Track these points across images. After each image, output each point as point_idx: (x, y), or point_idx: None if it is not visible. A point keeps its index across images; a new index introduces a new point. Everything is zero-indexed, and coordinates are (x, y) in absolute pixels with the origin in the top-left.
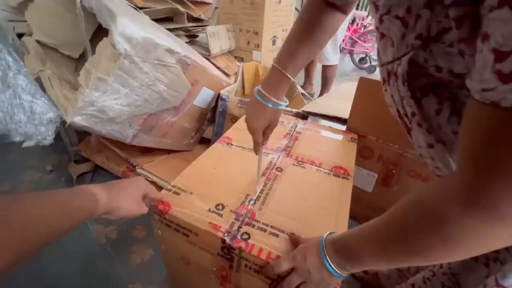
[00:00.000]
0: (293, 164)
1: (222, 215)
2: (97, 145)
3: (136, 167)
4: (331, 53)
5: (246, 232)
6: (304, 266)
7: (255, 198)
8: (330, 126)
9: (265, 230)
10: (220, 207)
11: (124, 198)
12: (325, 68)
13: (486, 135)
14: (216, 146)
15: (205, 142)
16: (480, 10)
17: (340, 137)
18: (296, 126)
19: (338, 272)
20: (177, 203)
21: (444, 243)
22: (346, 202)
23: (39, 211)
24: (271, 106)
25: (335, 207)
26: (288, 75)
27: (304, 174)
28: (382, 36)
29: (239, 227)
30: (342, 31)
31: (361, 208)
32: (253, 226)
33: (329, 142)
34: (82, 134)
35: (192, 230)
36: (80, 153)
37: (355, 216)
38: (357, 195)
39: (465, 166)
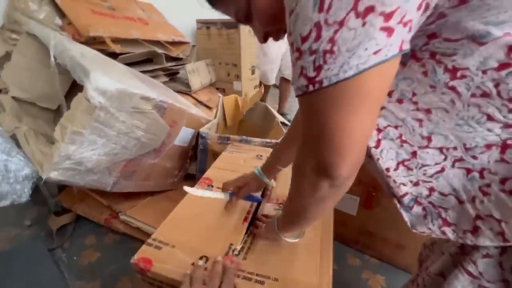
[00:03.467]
0: (274, 209)
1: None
2: (78, 194)
3: (119, 213)
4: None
5: None
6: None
7: (239, 248)
8: None
9: (250, 279)
10: (204, 259)
11: None
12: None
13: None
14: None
15: (191, 178)
16: None
17: None
18: None
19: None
20: (159, 259)
21: (308, 203)
22: (329, 234)
23: None
24: (256, 172)
25: (318, 242)
26: (267, 181)
27: None
28: None
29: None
30: None
31: (348, 232)
32: (238, 276)
33: None
34: (63, 184)
35: (176, 286)
36: (61, 204)
37: (345, 241)
38: (343, 220)
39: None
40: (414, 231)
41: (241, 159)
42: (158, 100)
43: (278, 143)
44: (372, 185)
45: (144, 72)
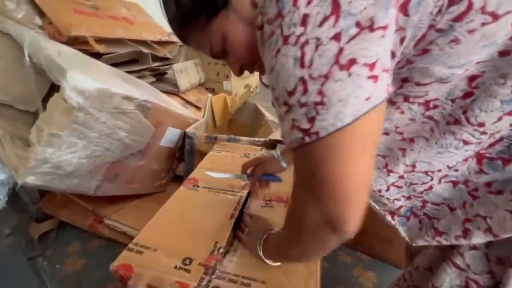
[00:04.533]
0: (262, 206)
1: (190, 270)
2: (61, 199)
3: (104, 218)
4: None
5: (216, 287)
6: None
7: (224, 245)
8: None
9: (235, 282)
10: (187, 261)
11: None
12: None
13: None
14: (181, 190)
15: (179, 179)
16: None
17: None
18: None
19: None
20: (140, 264)
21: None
22: None
23: None
24: (275, 156)
25: None
26: (285, 165)
27: (273, 214)
28: None
29: (209, 281)
30: None
31: None
32: (223, 278)
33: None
34: (44, 189)
35: None
36: (42, 210)
37: None
38: None
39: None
40: (414, 245)
41: (229, 158)
42: (141, 100)
43: None
44: None
45: (130, 72)
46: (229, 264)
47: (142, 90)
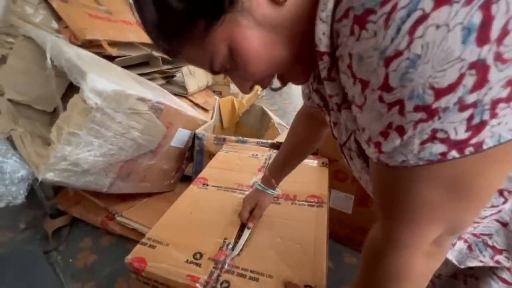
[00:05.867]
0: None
1: (200, 264)
2: (74, 196)
3: (116, 215)
4: None
5: (225, 281)
6: None
7: (233, 242)
8: None
9: (244, 276)
10: (198, 256)
11: None
12: None
13: (385, 189)
14: (191, 189)
15: (187, 179)
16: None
17: (311, 162)
18: (270, 158)
19: None
20: (153, 258)
21: (390, 277)
22: (323, 232)
23: None
24: (260, 188)
25: (312, 241)
26: (275, 183)
27: (280, 210)
28: (334, 124)
29: (218, 275)
30: None
31: (343, 230)
32: (233, 273)
33: (302, 170)
34: (59, 187)
35: (170, 285)
36: (56, 207)
37: (340, 239)
38: (338, 218)
39: (379, 215)
40: (462, 267)
41: (237, 158)
42: (154, 101)
43: (280, 155)
44: None
45: (141, 75)
46: (238, 259)
47: (154, 92)
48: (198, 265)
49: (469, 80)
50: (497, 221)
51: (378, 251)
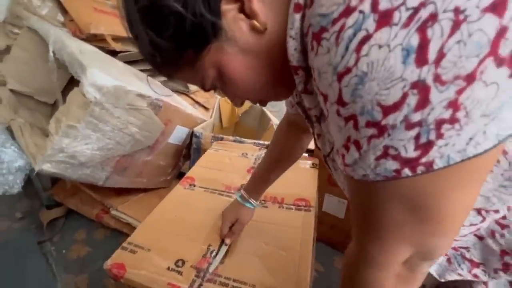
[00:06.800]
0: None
1: (182, 272)
2: (70, 188)
3: (110, 208)
4: None
5: None
6: None
7: (217, 249)
8: None
9: (227, 285)
10: (180, 263)
11: None
12: None
13: (355, 201)
14: (178, 189)
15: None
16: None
17: (303, 163)
18: (260, 158)
19: None
20: (133, 264)
21: None
22: (309, 238)
23: None
24: (240, 201)
25: (298, 247)
26: (253, 201)
27: (267, 215)
28: (318, 136)
29: (200, 284)
30: None
31: (335, 234)
32: (215, 282)
33: (292, 171)
34: (56, 178)
35: None
36: (53, 198)
37: (332, 243)
38: (331, 222)
39: (353, 231)
40: (442, 280)
41: (226, 157)
42: (153, 98)
43: (262, 165)
44: None
45: (143, 70)
46: (221, 267)
47: (155, 89)
48: (179, 273)
49: (412, 99)
50: (474, 235)
51: (352, 266)
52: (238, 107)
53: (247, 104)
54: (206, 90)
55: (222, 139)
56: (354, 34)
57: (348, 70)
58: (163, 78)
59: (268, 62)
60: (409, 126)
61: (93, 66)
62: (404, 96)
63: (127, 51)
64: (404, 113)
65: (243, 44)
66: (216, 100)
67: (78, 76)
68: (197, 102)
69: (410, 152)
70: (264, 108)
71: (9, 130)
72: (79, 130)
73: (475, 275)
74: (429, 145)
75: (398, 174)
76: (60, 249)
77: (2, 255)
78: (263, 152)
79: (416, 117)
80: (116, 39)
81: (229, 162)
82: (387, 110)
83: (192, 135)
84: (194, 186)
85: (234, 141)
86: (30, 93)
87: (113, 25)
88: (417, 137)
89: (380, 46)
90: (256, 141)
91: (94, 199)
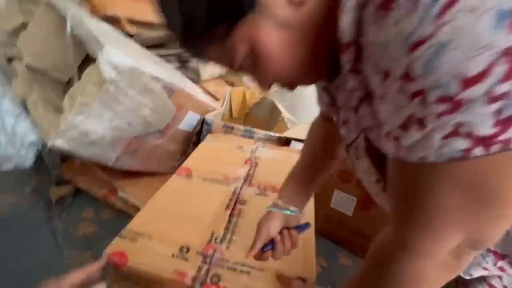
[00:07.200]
0: (256, 194)
1: (187, 259)
2: (80, 167)
3: (118, 190)
4: None
5: (215, 275)
6: None
7: (222, 235)
8: (289, 147)
9: (235, 269)
10: (184, 249)
11: None
12: None
13: (401, 188)
14: (173, 179)
15: None
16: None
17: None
18: (256, 150)
19: None
20: (135, 252)
21: (399, 283)
22: (311, 222)
23: None
24: (275, 210)
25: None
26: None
27: (267, 203)
28: (343, 123)
29: (208, 270)
30: None
31: (343, 232)
32: (222, 266)
33: (290, 164)
34: (66, 156)
35: (155, 281)
36: (62, 176)
37: (337, 240)
38: (338, 219)
39: (393, 216)
40: (468, 277)
41: (221, 150)
42: (167, 82)
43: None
44: None
45: (157, 56)
46: (227, 252)
47: (169, 73)
48: (185, 259)
49: (501, 69)
50: None
51: (388, 254)
52: (265, 90)
53: (258, 95)
54: (234, 69)
55: (233, 128)
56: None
57: (424, 40)
58: (176, 65)
59: (305, 38)
60: (492, 99)
61: (110, 44)
62: (491, 65)
63: (142, 35)
64: (488, 85)
65: (279, 18)
66: (228, 91)
67: (95, 53)
68: (207, 92)
69: (487, 129)
70: (275, 101)
71: (23, 104)
72: (93, 108)
73: (501, 268)
74: (510, 120)
75: (466, 154)
76: (67, 226)
77: (11, 227)
78: (258, 145)
79: (502, 89)
80: (131, 22)
81: (225, 154)
82: (468, 82)
83: (203, 122)
84: (191, 176)
85: (245, 131)
86: (45, 69)
87: (130, 7)
88: (498, 112)
89: (468, 11)
90: (267, 133)
91: (102, 179)
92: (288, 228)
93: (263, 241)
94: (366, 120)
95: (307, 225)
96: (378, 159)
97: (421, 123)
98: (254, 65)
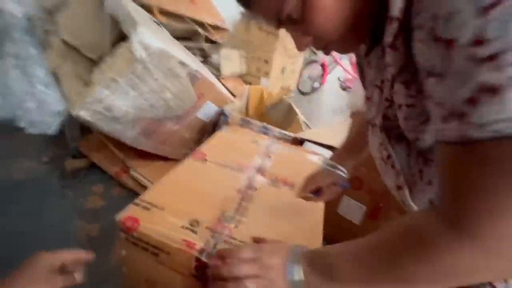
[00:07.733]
0: (268, 184)
1: (196, 232)
2: (97, 143)
3: (130, 169)
4: None
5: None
6: (268, 261)
7: (232, 215)
8: (303, 147)
9: None
10: (194, 223)
11: (22, 281)
12: None
13: (460, 172)
14: (188, 161)
15: None
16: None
17: (315, 158)
18: (271, 145)
19: (297, 280)
20: (147, 219)
21: (432, 266)
22: (320, 205)
23: None
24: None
25: (307, 225)
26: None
27: (278, 193)
28: (367, 99)
29: (215, 244)
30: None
31: (345, 240)
32: (230, 244)
33: (303, 162)
34: (85, 131)
35: (163, 248)
36: (79, 149)
37: None
38: (346, 227)
39: (445, 195)
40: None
41: (236, 140)
42: (193, 69)
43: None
44: (381, 195)
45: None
46: (236, 231)
47: (195, 62)
48: (194, 232)
49: None
50: None
51: (424, 236)
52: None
53: (276, 97)
54: (281, 22)
55: (249, 122)
56: None
57: (498, 1)
58: (200, 59)
59: None
60: None
61: (144, 26)
62: None
63: (170, 26)
64: None
65: None
66: (246, 88)
67: (129, 33)
68: (226, 88)
69: None
70: (293, 104)
71: (55, 75)
72: (120, 85)
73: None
74: None
75: None
76: (78, 197)
77: (26, 190)
78: (273, 142)
79: None
80: (162, 12)
81: (240, 145)
82: None
83: (220, 114)
84: (206, 160)
85: (262, 127)
86: (79, 46)
87: None
88: None
89: None
90: (282, 131)
91: (116, 157)
92: (333, 183)
93: (312, 187)
94: (398, 97)
95: (346, 184)
96: (394, 136)
97: (495, 91)
98: (300, 19)
